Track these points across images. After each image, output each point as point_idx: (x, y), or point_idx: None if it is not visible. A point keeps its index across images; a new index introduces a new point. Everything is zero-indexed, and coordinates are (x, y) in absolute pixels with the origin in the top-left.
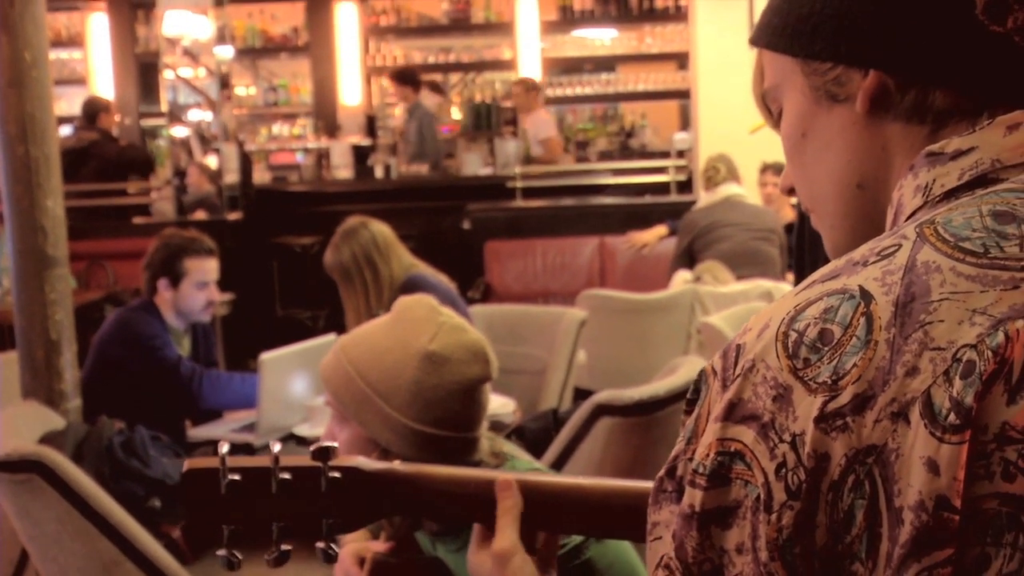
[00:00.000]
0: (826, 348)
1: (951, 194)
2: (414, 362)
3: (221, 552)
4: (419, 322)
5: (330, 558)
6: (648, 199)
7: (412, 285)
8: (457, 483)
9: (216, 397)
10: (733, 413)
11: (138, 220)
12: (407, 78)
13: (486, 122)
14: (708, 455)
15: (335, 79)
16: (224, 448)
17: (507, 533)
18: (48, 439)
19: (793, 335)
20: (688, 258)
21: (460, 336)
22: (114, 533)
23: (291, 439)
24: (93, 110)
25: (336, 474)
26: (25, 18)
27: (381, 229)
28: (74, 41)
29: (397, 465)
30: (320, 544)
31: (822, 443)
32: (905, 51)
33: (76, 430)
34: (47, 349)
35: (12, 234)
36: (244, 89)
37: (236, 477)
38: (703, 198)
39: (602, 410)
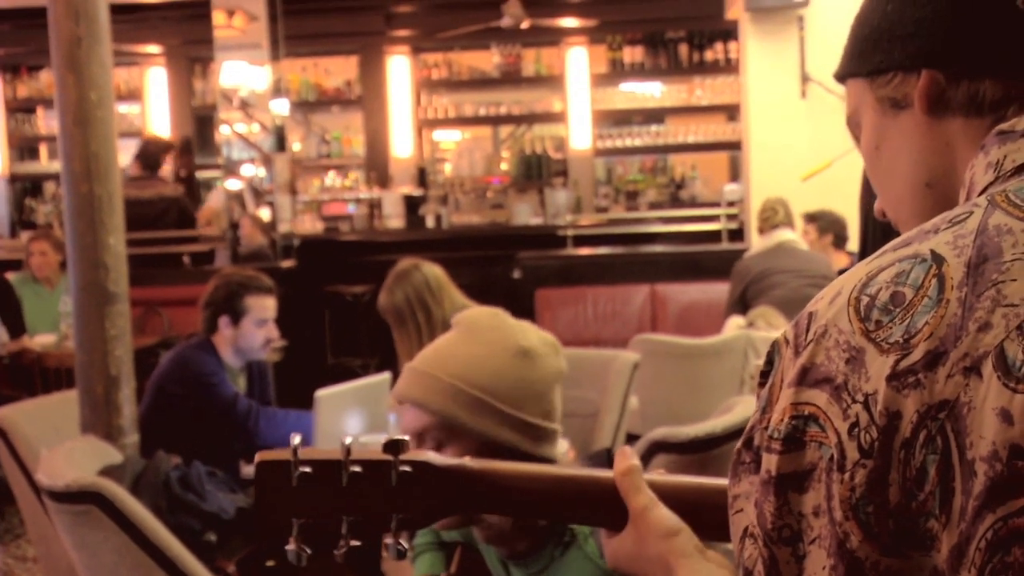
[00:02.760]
0: (898, 309)
1: (1022, 168)
2: (515, 360)
3: (290, 546)
4: (499, 327)
5: (400, 554)
6: (699, 247)
7: None
8: (529, 478)
9: (272, 433)
10: (806, 377)
11: (194, 267)
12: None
13: (536, 172)
14: (783, 420)
15: (387, 131)
16: (296, 439)
17: (642, 490)
18: (106, 473)
19: (865, 299)
20: (741, 305)
21: (537, 332)
22: (170, 566)
23: None
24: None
25: (407, 468)
26: (92, 59)
27: (433, 270)
28: (133, 95)
29: (468, 461)
30: (388, 539)
31: (894, 401)
32: (950, 47)
33: (134, 464)
34: (106, 384)
35: (74, 270)
36: (299, 142)
37: (307, 469)
38: (756, 244)
39: (658, 447)
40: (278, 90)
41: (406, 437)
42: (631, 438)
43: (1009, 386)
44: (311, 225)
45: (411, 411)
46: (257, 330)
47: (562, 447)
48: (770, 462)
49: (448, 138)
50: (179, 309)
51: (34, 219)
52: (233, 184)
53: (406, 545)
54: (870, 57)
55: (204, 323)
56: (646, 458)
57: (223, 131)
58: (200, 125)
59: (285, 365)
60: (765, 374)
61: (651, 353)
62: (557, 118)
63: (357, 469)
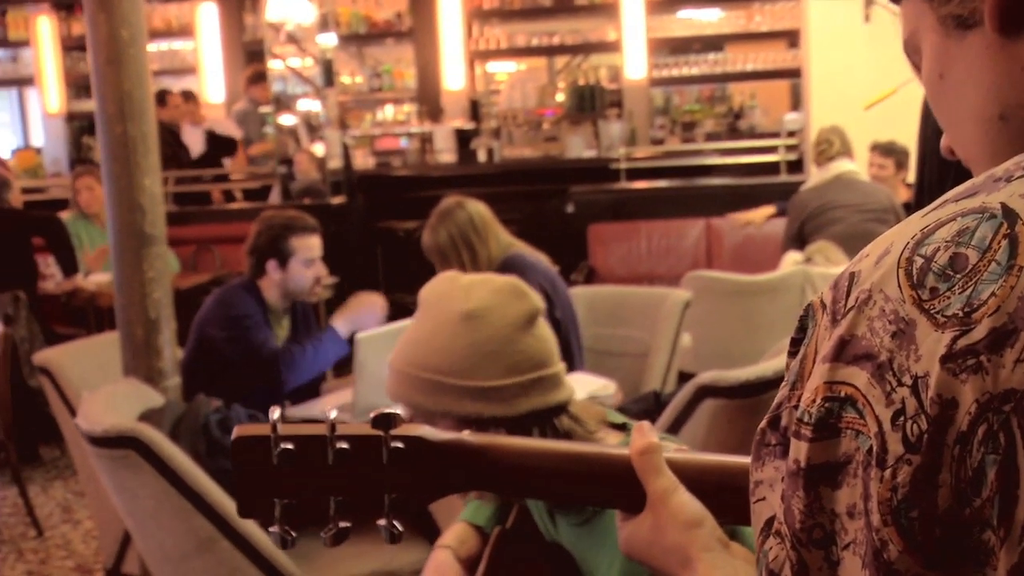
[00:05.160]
0: (958, 276)
1: None
2: (460, 328)
3: (273, 528)
4: (447, 295)
5: (393, 537)
6: (756, 180)
7: (510, 265)
8: (532, 455)
9: (293, 376)
10: (844, 352)
11: (246, 205)
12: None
13: (590, 104)
14: (815, 401)
15: (438, 64)
16: (276, 413)
17: (662, 472)
18: (147, 416)
19: (919, 261)
20: (799, 241)
21: (490, 285)
22: (210, 511)
23: None
24: (160, 101)
25: (399, 444)
26: None
27: (478, 208)
28: (184, 31)
29: (467, 435)
30: (382, 521)
31: (949, 386)
32: None
33: (174, 408)
34: (146, 328)
35: (111, 213)
36: (349, 76)
37: (289, 446)
38: (814, 176)
39: (706, 391)
40: (325, 23)
41: (398, 410)
42: (683, 377)
43: None
44: (363, 160)
45: None
46: (305, 270)
47: (608, 389)
48: (799, 450)
49: (501, 70)
50: (232, 247)
51: (92, 157)
52: (287, 119)
53: (400, 527)
54: None
55: (251, 268)
56: (694, 403)
57: (274, 66)
58: (251, 61)
59: (338, 302)
60: (796, 342)
61: (704, 290)
62: (612, 47)
63: (344, 446)
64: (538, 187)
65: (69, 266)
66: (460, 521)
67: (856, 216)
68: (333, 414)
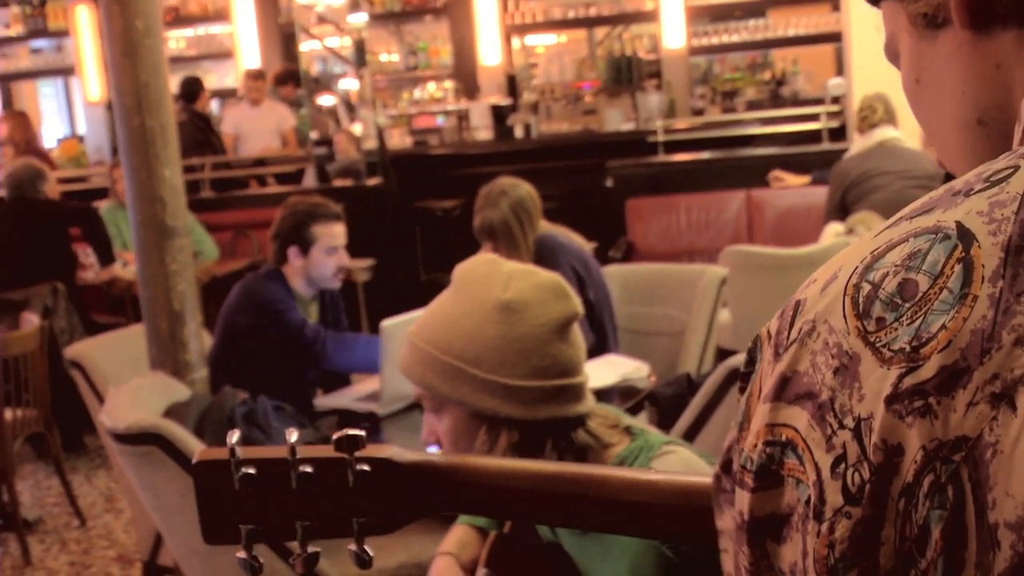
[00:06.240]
0: (907, 304)
1: None
2: (493, 316)
3: (240, 555)
4: (485, 278)
5: (363, 563)
6: (799, 149)
7: (542, 246)
8: (510, 476)
9: (341, 358)
10: (786, 390)
11: (282, 189)
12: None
13: (626, 75)
14: (756, 446)
15: (474, 39)
16: (234, 437)
17: None
18: (172, 410)
19: (866, 288)
20: (841, 211)
21: (532, 279)
22: None
23: (416, 408)
24: (191, 90)
25: (364, 467)
26: None
27: (530, 191)
28: (220, 15)
29: (436, 456)
30: (352, 547)
31: (894, 431)
32: None
33: (200, 401)
34: (171, 320)
35: (132, 206)
36: (386, 54)
37: (250, 470)
38: (856, 143)
39: (737, 375)
40: (356, 3)
41: (361, 432)
42: (722, 353)
43: None
44: (399, 140)
45: None
46: (328, 258)
47: (641, 371)
48: (742, 500)
49: (538, 43)
50: (268, 232)
51: None
52: (326, 100)
53: (371, 553)
54: None
55: (273, 254)
56: (724, 386)
57: (307, 47)
58: (287, 43)
59: (377, 284)
60: (746, 376)
61: (743, 265)
62: (650, 17)
63: (307, 469)
64: (576, 162)
65: (106, 256)
66: (460, 524)
67: (899, 183)
68: (294, 437)
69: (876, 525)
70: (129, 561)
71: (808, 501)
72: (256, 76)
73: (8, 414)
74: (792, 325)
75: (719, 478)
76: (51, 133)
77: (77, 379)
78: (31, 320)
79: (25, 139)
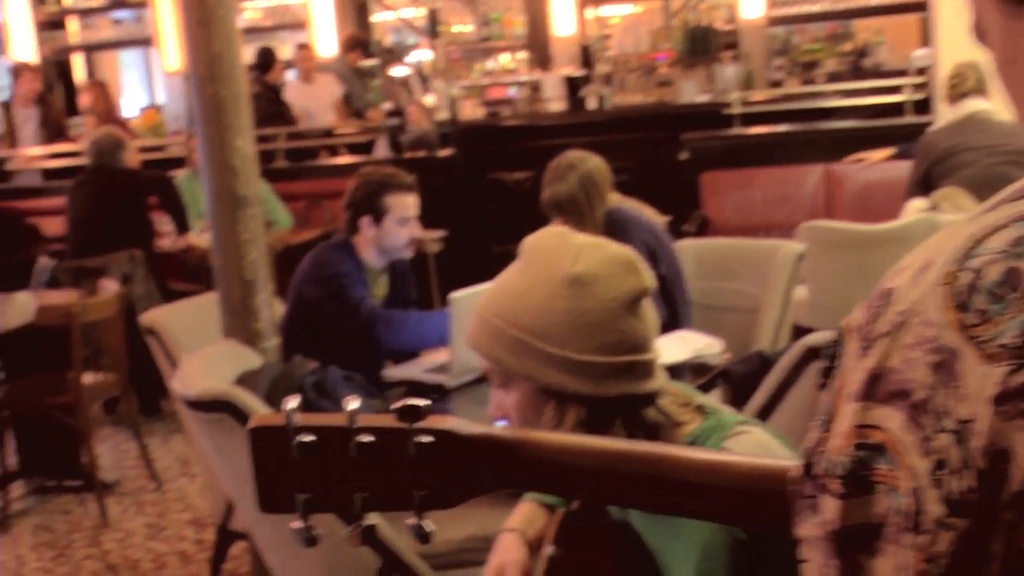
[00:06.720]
0: (1013, 296)
1: None
2: (562, 290)
3: (296, 524)
4: (554, 251)
5: (423, 538)
6: (880, 122)
7: (612, 220)
8: (576, 452)
9: (391, 338)
10: (876, 388)
11: (354, 159)
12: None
13: (702, 46)
14: (843, 448)
15: (548, 9)
16: (293, 403)
17: None
18: (244, 378)
19: (965, 277)
20: (925, 186)
21: (602, 252)
22: None
23: (485, 381)
24: (265, 60)
25: (426, 438)
26: None
27: (599, 164)
28: None
29: (500, 430)
30: (411, 520)
31: (1002, 434)
32: None
33: (270, 370)
34: (243, 289)
35: (205, 175)
36: (460, 25)
37: (309, 438)
38: (944, 115)
39: (814, 353)
40: None
41: (425, 402)
42: (798, 331)
43: None
44: (472, 111)
45: None
46: (400, 229)
47: (714, 347)
48: (828, 508)
49: (613, 13)
50: (340, 202)
51: None
52: (399, 71)
53: (431, 527)
54: None
55: (345, 224)
56: (800, 365)
57: (380, 18)
58: (361, 13)
59: (448, 255)
60: (828, 371)
61: (820, 241)
62: None
63: (367, 438)
64: (650, 134)
65: (181, 224)
66: (528, 500)
67: (989, 159)
68: (355, 404)
69: (982, 538)
70: (203, 525)
71: (903, 511)
72: (303, 47)
73: (87, 378)
74: (881, 317)
75: (800, 482)
76: (132, 103)
77: (152, 345)
78: (110, 287)
79: (106, 109)
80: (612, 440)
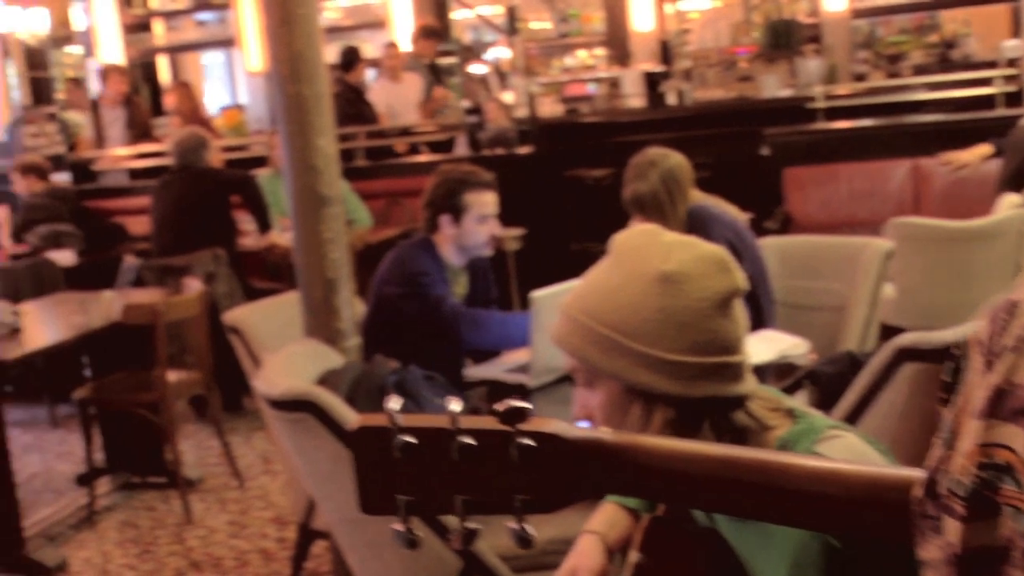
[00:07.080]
0: None
1: None
2: (653, 288)
3: (397, 526)
4: (644, 249)
5: (524, 543)
6: (970, 115)
7: (694, 217)
8: (680, 458)
9: (473, 337)
10: (1002, 406)
11: (433, 157)
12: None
13: (785, 41)
14: (967, 468)
15: (626, 5)
16: (395, 403)
17: None
18: (326, 378)
19: None
20: (1017, 181)
21: (694, 250)
22: None
23: (566, 381)
24: (349, 59)
25: (529, 441)
26: None
27: (680, 161)
28: None
29: (605, 434)
30: (512, 524)
31: None
32: None
33: (352, 369)
34: (324, 288)
35: (288, 175)
36: (538, 22)
37: (410, 439)
38: None
39: (906, 354)
40: None
41: (527, 405)
42: (885, 330)
43: None
44: (550, 108)
45: None
46: (479, 226)
47: (800, 348)
48: (951, 530)
49: (692, 8)
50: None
51: None
52: (477, 68)
53: (532, 532)
54: None
55: (425, 222)
56: (892, 366)
57: (459, 15)
58: (440, 11)
59: (528, 253)
60: (949, 387)
61: (909, 237)
62: None
63: (469, 441)
64: (731, 129)
65: (264, 223)
66: (610, 502)
67: None
68: (457, 406)
69: None
70: (284, 523)
71: None
72: (390, 46)
73: (171, 376)
74: (1006, 330)
75: (922, 503)
76: (215, 103)
77: (235, 344)
78: (193, 285)
79: (191, 109)
80: (721, 447)
